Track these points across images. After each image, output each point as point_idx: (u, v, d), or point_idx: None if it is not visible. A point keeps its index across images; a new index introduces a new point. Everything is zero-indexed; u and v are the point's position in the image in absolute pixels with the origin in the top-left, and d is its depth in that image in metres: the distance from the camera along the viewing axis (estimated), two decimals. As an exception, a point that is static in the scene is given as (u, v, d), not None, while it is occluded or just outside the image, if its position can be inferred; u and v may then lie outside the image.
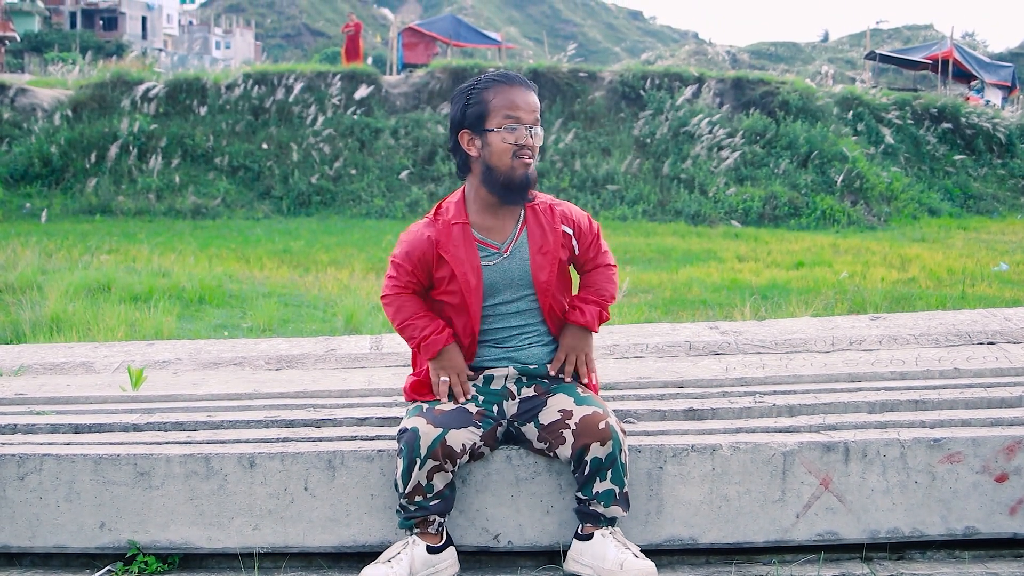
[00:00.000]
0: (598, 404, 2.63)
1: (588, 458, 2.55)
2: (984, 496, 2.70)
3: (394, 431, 2.76)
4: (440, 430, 2.53)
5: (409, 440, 2.53)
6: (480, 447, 2.63)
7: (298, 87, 19.98)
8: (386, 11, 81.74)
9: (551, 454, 2.64)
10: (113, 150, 18.09)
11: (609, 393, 3.11)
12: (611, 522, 2.60)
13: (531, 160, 2.67)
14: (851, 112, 21.85)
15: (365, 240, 13.92)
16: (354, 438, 2.80)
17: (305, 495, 2.69)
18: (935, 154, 21.80)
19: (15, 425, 2.96)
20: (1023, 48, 62.64)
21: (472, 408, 2.67)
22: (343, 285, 9.01)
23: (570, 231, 2.78)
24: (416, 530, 2.60)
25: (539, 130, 2.69)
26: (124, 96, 19.53)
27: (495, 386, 2.75)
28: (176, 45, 71.74)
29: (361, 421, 2.95)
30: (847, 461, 2.68)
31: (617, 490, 2.57)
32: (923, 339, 3.87)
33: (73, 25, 64.07)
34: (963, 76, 28.19)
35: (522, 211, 2.77)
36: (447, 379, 2.71)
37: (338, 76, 20.68)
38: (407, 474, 2.53)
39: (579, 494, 2.61)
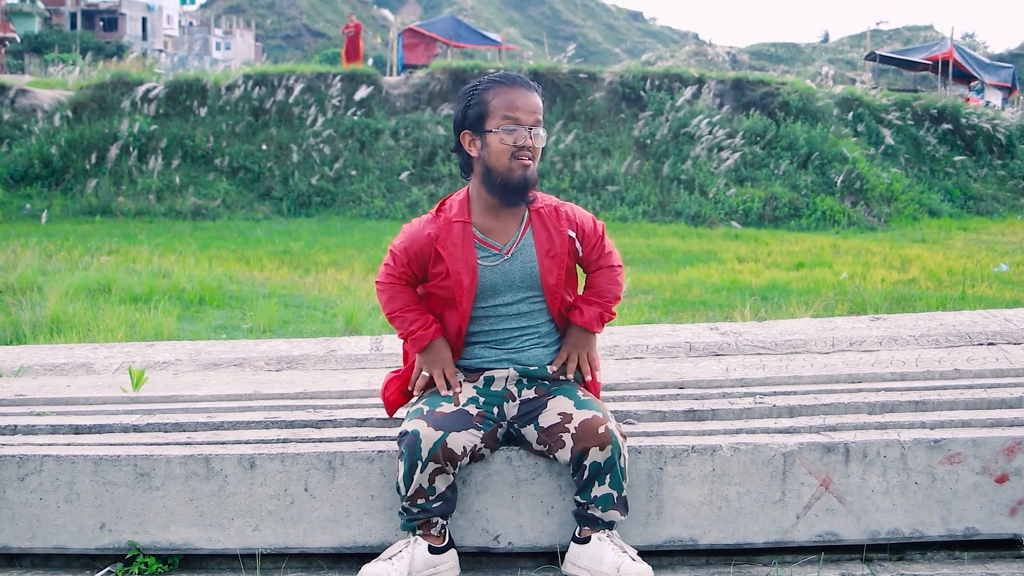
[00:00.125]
0: (598, 408, 2.63)
1: (587, 462, 2.55)
2: (984, 497, 2.70)
3: (394, 432, 2.77)
4: (441, 433, 2.53)
5: (410, 443, 2.53)
6: (481, 449, 2.63)
7: (298, 88, 19.98)
8: (386, 12, 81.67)
9: (551, 456, 2.64)
10: (113, 151, 18.09)
11: (609, 394, 3.11)
12: (609, 526, 2.60)
13: (530, 161, 2.66)
14: (851, 113, 21.84)
15: (365, 241, 13.92)
16: (354, 439, 2.80)
17: (305, 496, 2.69)
18: (935, 155, 21.80)
19: (15, 426, 2.96)
20: (1023, 49, 62.59)
21: (472, 410, 2.66)
22: (343, 286, 9.01)
23: (573, 234, 2.78)
24: (419, 531, 2.60)
25: (540, 131, 2.68)
26: (124, 97, 19.53)
27: (495, 388, 2.75)
28: (176, 46, 71.74)
29: (361, 422, 2.95)
30: (847, 462, 2.68)
31: (615, 494, 2.57)
32: (923, 340, 3.87)
33: (73, 26, 64.02)
34: (963, 77, 28.18)
35: (526, 213, 2.77)
36: (427, 375, 2.73)
37: (338, 77, 20.68)
38: (409, 477, 2.53)
39: (578, 498, 2.61)
